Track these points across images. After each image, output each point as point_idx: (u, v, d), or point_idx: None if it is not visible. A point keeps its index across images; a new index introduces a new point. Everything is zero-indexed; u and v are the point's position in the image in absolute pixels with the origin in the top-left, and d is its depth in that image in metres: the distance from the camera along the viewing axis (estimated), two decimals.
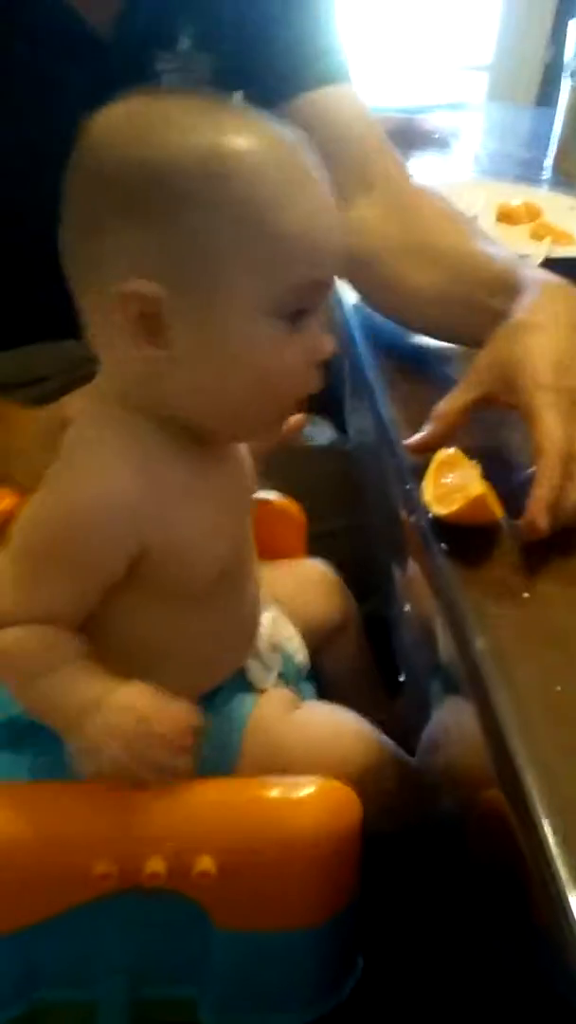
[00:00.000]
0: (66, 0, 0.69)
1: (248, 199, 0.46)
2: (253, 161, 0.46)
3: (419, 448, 0.60)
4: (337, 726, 0.63)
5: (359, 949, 0.60)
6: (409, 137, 1.28)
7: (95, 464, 0.50)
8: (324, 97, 0.76)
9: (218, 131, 0.46)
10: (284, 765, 0.57)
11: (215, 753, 0.57)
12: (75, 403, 0.58)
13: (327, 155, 0.76)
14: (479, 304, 0.67)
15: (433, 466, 0.57)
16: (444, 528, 0.57)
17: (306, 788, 0.52)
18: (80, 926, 0.54)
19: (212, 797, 0.54)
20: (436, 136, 1.34)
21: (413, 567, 0.63)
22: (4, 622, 0.50)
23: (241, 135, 0.47)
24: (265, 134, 0.48)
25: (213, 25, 0.75)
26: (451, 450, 0.57)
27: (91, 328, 0.50)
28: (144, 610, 0.53)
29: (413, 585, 0.63)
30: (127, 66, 0.72)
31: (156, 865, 0.50)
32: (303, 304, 0.48)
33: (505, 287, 0.65)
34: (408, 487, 0.60)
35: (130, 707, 0.50)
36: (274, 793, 0.53)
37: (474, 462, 0.56)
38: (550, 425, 0.53)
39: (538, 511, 0.52)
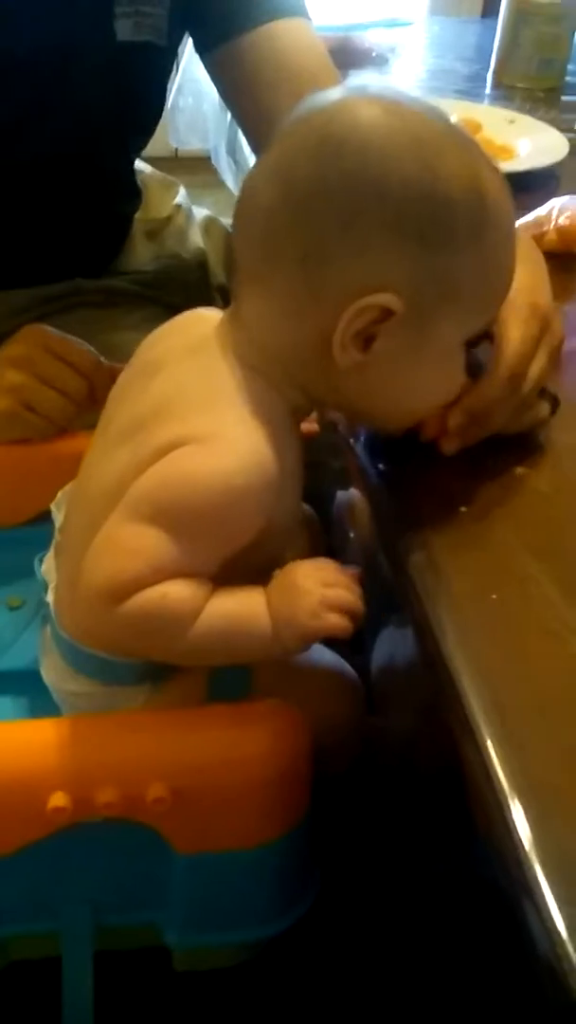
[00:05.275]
0: None
1: (494, 241, 0.49)
2: (498, 199, 0.48)
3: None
4: (334, 676, 0.63)
5: (318, 864, 0.61)
6: (346, 56, 1.24)
7: (250, 439, 0.49)
8: (277, 30, 0.76)
9: (475, 164, 0.48)
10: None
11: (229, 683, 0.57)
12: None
13: (281, 86, 0.76)
14: None
15: None
16: (381, 447, 0.57)
17: (253, 710, 0.53)
18: (39, 861, 0.54)
19: (159, 723, 0.54)
20: (374, 54, 1.30)
21: (355, 493, 0.63)
22: (144, 584, 0.48)
23: (489, 170, 0.48)
24: (495, 170, 0.49)
25: None
26: None
27: (269, 303, 0.50)
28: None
29: (354, 511, 0.63)
30: (89, 11, 0.72)
31: (109, 795, 0.51)
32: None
33: None
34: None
35: (302, 564, 0.52)
36: (221, 716, 0.53)
37: None
38: (514, 339, 0.53)
39: (458, 412, 0.53)
